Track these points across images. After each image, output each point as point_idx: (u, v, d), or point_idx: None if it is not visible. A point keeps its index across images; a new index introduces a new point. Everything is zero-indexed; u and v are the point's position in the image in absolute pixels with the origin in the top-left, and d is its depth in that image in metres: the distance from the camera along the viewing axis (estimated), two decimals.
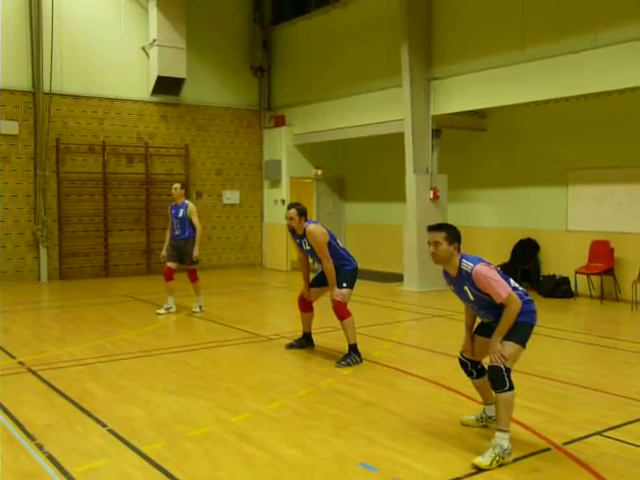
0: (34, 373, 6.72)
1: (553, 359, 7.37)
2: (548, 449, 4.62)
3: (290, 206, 7.30)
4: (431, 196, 12.81)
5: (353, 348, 7.11)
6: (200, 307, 10.36)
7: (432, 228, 4.67)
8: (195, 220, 10.13)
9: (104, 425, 5.13)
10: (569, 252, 12.03)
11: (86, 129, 14.78)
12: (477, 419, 5.05)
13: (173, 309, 10.26)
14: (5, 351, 7.72)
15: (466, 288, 4.60)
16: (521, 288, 4.67)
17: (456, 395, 5.87)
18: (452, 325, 9.19)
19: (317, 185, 16.94)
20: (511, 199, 13.23)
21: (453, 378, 6.06)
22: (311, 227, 7.12)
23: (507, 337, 4.48)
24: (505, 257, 12.84)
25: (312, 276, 7.56)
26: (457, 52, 12.35)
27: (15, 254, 14.08)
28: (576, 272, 11.56)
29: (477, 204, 13.81)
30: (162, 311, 10.20)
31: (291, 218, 7.16)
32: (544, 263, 12.60)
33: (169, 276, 10.19)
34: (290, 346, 7.77)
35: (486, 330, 4.72)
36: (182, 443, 4.76)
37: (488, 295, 4.49)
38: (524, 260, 12.63)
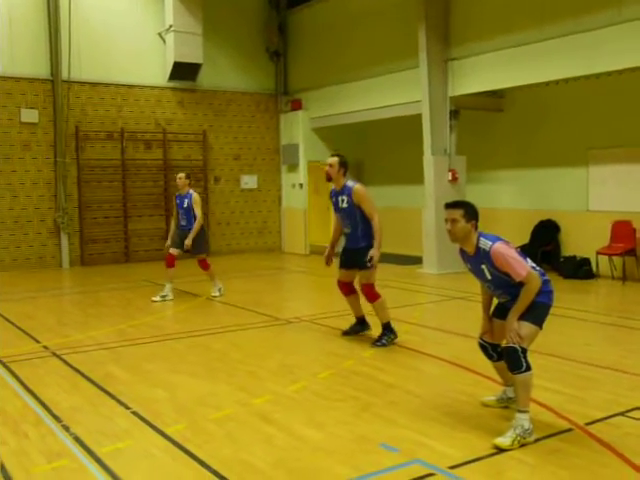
0: (58, 357, 6.82)
1: (574, 340, 7.33)
2: (570, 429, 4.61)
3: (333, 154, 7.17)
4: (450, 178, 12.74)
5: (387, 327, 7.06)
6: (219, 290, 10.33)
7: (449, 205, 4.61)
8: (197, 210, 9.93)
9: (128, 407, 5.21)
10: (590, 233, 11.91)
11: (104, 116, 14.86)
12: (498, 400, 5.05)
13: (169, 297, 10.01)
14: (30, 336, 7.84)
15: (483, 267, 4.56)
16: (538, 268, 4.61)
17: (476, 376, 5.87)
18: (471, 307, 9.16)
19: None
20: (531, 180, 13.12)
21: (473, 359, 6.05)
22: (357, 185, 6.97)
23: (523, 317, 4.44)
24: (525, 238, 12.76)
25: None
26: (475, 32, 12.23)
27: (37, 241, 14.24)
28: (597, 253, 11.46)
29: (496, 185, 13.71)
30: (157, 298, 9.98)
31: (331, 165, 7.00)
32: (565, 244, 12.49)
33: (170, 262, 10.01)
34: (345, 333, 7.52)
35: (503, 312, 4.66)
36: (204, 425, 4.82)
37: (506, 274, 4.45)
38: (544, 241, 12.54)
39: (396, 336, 7.10)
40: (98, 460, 4.21)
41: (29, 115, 14.01)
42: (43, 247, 14.31)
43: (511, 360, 4.40)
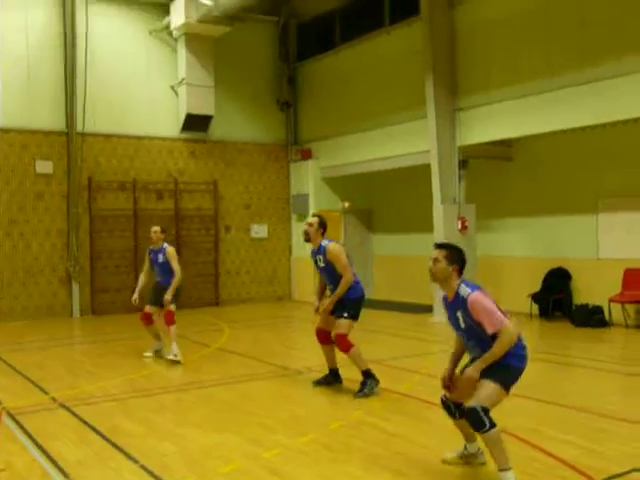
0: (67, 409, 6.78)
1: (589, 390, 7.22)
2: None
3: (314, 215, 7.46)
4: (459, 226, 12.76)
5: (366, 374, 7.02)
6: (175, 355, 9.13)
7: (436, 245, 4.70)
8: (174, 265, 9.20)
9: (136, 461, 5.14)
10: (601, 281, 11.84)
11: (117, 167, 15.07)
12: (459, 456, 4.90)
13: (162, 351, 9.50)
14: (39, 386, 7.81)
15: (459, 314, 4.49)
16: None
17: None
18: None
19: (345, 218, 16.98)
20: (541, 228, 13.12)
21: None
22: (331, 245, 7.16)
23: (491, 376, 4.32)
24: (536, 286, 12.70)
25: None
26: (482, 82, 12.41)
27: (48, 290, 14.29)
28: (610, 301, 11.37)
29: (506, 233, 13.71)
30: (149, 354, 9.55)
31: (310, 224, 7.23)
32: (576, 292, 12.41)
33: (148, 321, 9.44)
34: (318, 383, 7.58)
35: None
36: (214, 479, 4.74)
37: (480, 325, 4.36)
38: (556, 289, 12.47)
39: (378, 382, 7.02)
40: None
41: (44, 166, 14.23)
42: (54, 296, 14.36)
43: (472, 420, 4.27)
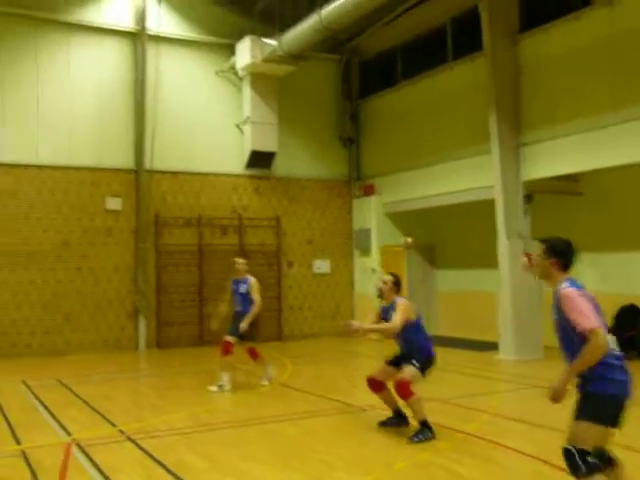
0: (133, 441, 6.86)
1: None
2: None
3: (388, 273, 7.52)
4: (525, 262, 12.50)
5: (424, 425, 6.82)
6: (269, 379, 9.83)
7: (539, 240, 4.47)
8: (255, 295, 9.63)
9: None
10: None
11: (183, 203, 15.44)
12: None
13: (227, 387, 9.52)
14: (106, 419, 7.95)
15: (553, 312, 4.20)
16: (617, 351, 4.04)
17: (563, 474, 5.54)
18: None
19: (407, 253, 16.88)
20: (611, 263, 12.73)
21: (559, 454, 5.73)
22: (402, 300, 7.13)
23: (581, 414, 3.91)
24: (608, 323, 12.25)
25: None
26: (546, 116, 12.25)
27: (116, 324, 14.64)
28: None
29: (575, 269, 13.30)
30: (214, 388, 9.52)
31: (384, 283, 7.22)
32: None
33: (227, 350, 9.52)
34: (383, 424, 7.32)
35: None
36: None
37: (569, 322, 3.99)
38: (628, 326, 12.02)
39: (434, 435, 6.77)
40: None
41: (114, 203, 14.71)
42: (121, 330, 14.69)
43: (567, 463, 3.95)
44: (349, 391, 9.87)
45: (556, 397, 3.99)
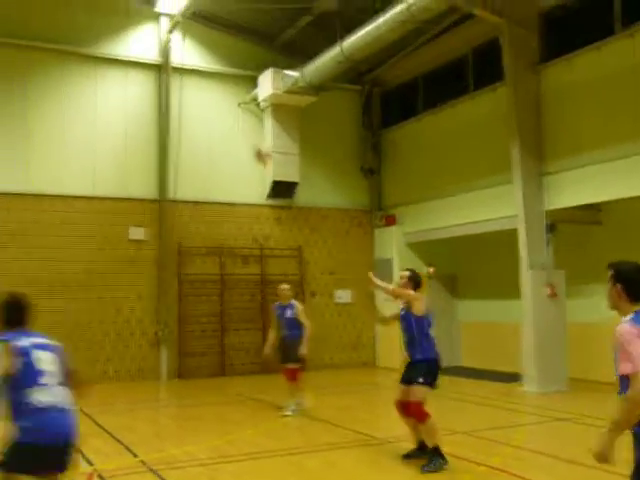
0: (155, 472, 6.85)
1: None
2: None
3: (407, 269, 7.57)
4: (548, 292, 12.38)
5: (435, 451, 6.73)
6: (293, 410, 9.91)
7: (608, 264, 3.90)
8: (304, 319, 10.03)
9: None
10: None
11: (205, 233, 15.54)
12: None
13: (304, 405, 10.02)
14: (128, 449, 7.94)
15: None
16: None
17: None
18: (578, 430, 8.63)
19: (429, 283, 16.76)
20: None
21: None
22: (419, 293, 7.18)
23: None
24: None
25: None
26: (569, 146, 12.21)
27: (138, 354, 14.66)
28: None
29: (600, 299, 13.13)
30: (288, 412, 9.88)
31: (401, 277, 7.34)
32: None
33: (294, 376, 9.97)
34: (407, 457, 7.22)
35: None
36: None
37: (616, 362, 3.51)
38: None
39: (446, 462, 6.68)
40: None
41: (137, 233, 14.84)
42: (143, 360, 14.70)
43: None
44: (372, 422, 9.78)
45: (601, 460, 3.42)
